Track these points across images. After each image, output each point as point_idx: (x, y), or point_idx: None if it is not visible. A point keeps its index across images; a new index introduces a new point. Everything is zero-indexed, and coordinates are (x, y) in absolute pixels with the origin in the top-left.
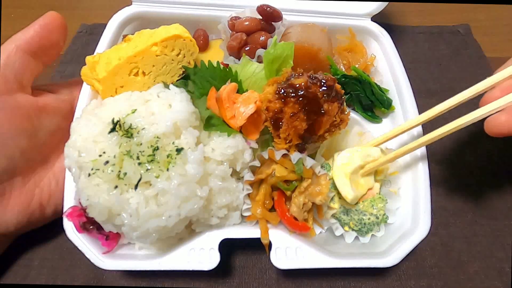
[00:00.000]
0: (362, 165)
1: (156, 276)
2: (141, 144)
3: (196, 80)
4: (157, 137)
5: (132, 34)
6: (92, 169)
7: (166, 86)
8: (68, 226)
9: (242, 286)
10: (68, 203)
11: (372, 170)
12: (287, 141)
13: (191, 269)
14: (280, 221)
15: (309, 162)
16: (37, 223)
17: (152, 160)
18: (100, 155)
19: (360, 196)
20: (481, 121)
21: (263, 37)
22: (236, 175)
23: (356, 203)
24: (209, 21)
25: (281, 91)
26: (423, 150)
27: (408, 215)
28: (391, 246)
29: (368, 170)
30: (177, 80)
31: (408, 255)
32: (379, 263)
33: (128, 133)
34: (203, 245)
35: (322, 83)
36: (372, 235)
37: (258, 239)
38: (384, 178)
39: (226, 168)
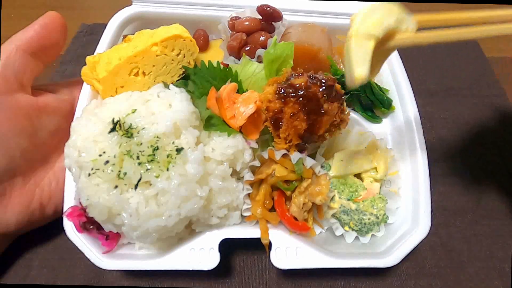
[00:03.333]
0: (391, 32)
1: (156, 276)
2: (141, 144)
3: (196, 80)
4: (157, 137)
5: (132, 34)
6: (92, 169)
7: (166, 86)
8: (68, 226)
9: (242, 286)
10: (68, 203)
11: (393, 49)
12: (287, 141)
13: (191, 269)
14: (280, 221)
15: (309, 162)
16: (37, 223)
17: (152, 160)
18: (100, 155)
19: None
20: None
21: (263, 37)
22: (236, 175)
23: (356, 203)
24: (209, 21)
25: (281, 91)
26: (423, 150)
27: (408, 215)
28: (391, 246)
29: (390, 48)
30: (177, 80)
31: (408, 255)
32: (379, 263)
33: (128, 133)
34: (203, 245)
35: (322, 83)
36: (372, 235)
37: (258, 239)
38: (384, 178)
39: (226, 168)
